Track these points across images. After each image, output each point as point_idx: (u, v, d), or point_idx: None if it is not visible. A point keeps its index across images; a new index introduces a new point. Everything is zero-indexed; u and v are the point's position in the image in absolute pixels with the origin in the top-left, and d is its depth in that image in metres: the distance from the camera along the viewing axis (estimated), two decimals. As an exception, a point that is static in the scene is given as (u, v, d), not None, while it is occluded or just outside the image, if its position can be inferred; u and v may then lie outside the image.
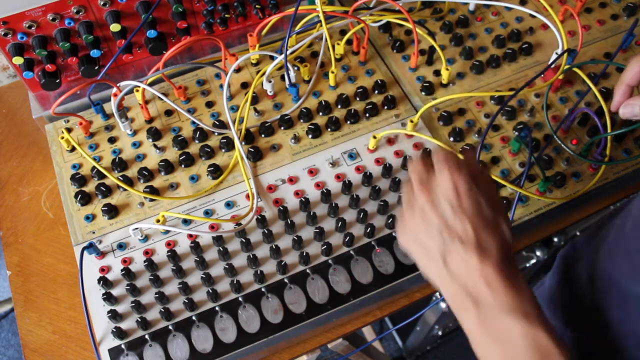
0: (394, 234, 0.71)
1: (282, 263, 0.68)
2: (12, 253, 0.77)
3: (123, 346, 0.65)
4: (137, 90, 0.78)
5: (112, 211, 0.73)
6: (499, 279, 0.49)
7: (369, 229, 0.70)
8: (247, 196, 0.74)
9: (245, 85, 0.83)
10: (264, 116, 0.81)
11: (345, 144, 0.78)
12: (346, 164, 0.77)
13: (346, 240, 0.70)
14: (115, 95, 0.76)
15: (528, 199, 0.74)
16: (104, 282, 0.67)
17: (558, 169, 0.75)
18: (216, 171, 0.75)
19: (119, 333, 0.65)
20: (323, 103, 0.80)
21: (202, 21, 0.84)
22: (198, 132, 0.78)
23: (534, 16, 0.86)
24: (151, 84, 0.81)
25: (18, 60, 0.74)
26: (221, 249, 0.69)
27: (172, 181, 0.75)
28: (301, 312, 0.67)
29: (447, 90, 0.83)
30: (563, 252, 0.85)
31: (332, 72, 0.81)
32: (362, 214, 0.71)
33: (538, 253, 1.10)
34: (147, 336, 0.66)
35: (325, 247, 0.69)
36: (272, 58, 0.84)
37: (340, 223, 0.71)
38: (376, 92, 0.82)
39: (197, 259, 0.68)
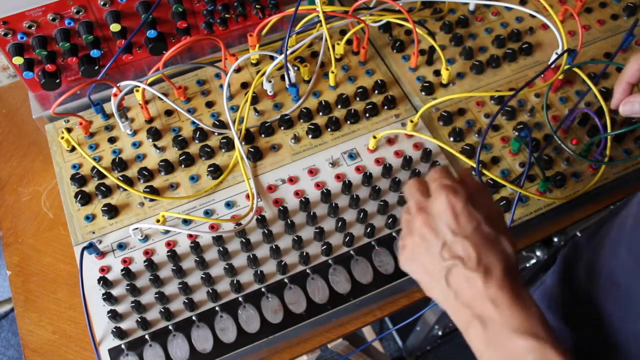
0: (394, 234, 0.71)
1: (282, 263, 0.68)
2: (12, 253, 0.77)
3: (123, 346, 0.65)
4: (137, 90, 0.78)
5: (112, 211, 0.73)
6: (504, 297, 0.48)
7: (369, 229, 0.70)
8: (247, 196, 0.74)
9: (245, 85, 0.83)
10: (264, 116, 0.81)
11: (345, 144, 0.78)
12: (346, 164, 0.76)
13: (346, 240, 0.70)
14: (115, 95, 0.76)
15: (528, 199, 0.74)
16: (104, 282, 0.67)
17: (558, 169, 0.75)
18: (216, 171, 0.75)
19: (119, 333, 0.65)
20: (323, 103, 0.80)
21: (202, 21, 0.84)
22: (198, 132, 0.78)
23: (534, 16, 0.86)
24: (151, 84, 0.81)
25: (18, 60, 0.74)
26: (221, 249, 0.69)
27: (172, 181, 0.75)
28: (301, 312, 0.67)
29: (447, 90, 0.83)
30: (564, 252, 0.85)
31: (332, 72, 0.81)
32: (362, 214, 0.71)
33: (538, 253, 1.10)
34: (147, 336, 0.66)
35: (325, 247, 0.69)
36: (272, 58, 0.84)
37: (340, 223, 0.71)
38: (376, 92, 0.82)
39: (197, 259, 0.68)
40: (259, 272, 0.68)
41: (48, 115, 0.81)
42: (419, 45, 0.85)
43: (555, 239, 1.06)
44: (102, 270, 0.69)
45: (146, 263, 0.68)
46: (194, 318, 0.67)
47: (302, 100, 0.82)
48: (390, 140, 0.78)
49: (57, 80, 0.78)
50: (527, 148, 0.73)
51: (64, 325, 0.72)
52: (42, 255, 0.77)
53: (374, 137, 0.75)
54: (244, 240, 0.69)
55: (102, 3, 0.75)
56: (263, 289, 0.68)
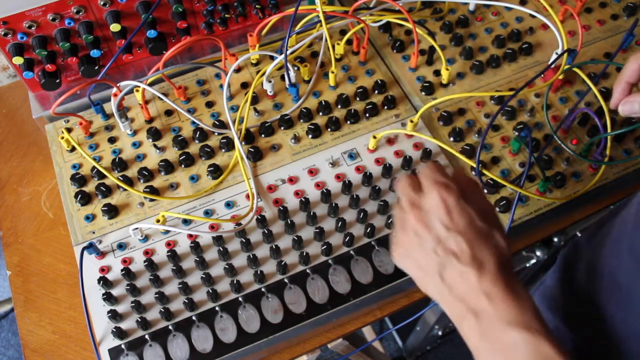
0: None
1: (282, 263, 0.68)
2: (12, 253, 0.77)
3: (123, 346, 0.65)
4: (137, 90, 0.78)
5: (112, 211, 0.73)
6: (497, 290, 0.49)
7: (369, 229, 0.70)
8: (247, 196, 0.74)
9: (245, 85, 0.83)
10: (264, 116, 0.81)
11: (345, 144, 0.78)
12: (346, 164, 0.77)
13: (346, 240, 0.70)
14: (115, 95, 0.76)
15: (528, 199, 0.74)
16: (104, 282, 0.67)
17: (558, 169, 0.75)
18: (216, 171, 0.75)
19: (119, 333, 0.65)
20: (323, 103, 0.80)
21: (202, 21, 0.84)
22: (198, 132, 0.78)
23: (534, 16, 0.86)
24: (151, 84, 0.81)
25: (18, 60, 0.74)
26: (221, 249, 0.69)
27: (172, 181, 0.75)
28: (301, 312, 0.67)
29: (447, 90, 0.83)
30: (563, 254, 0.85)
31: (332, 72, 0.81)
32: (362, 214, 0.71)
33: (538, 253, 1.10)
34: (147, 336, 0.66)
35: (325, 247, 0.69)
36: (272, 58, 0.84)
37: (340, 223, 0.71)
38: (376, 92, 0.82)
39: (197, 259, 0.68)
40: (259, 272, 0.68)
41: (48, 115, 0.81)
42: (419, 45, 0.85)
43: (555, 239, 1.06)
44: (102, 270, 0.69)
45: (146, 263, 0.68)
46: (194, 318, 0.67)
47: (302, 100, 0.82)
48: (390, 140, 0.78)
49: (57, 80, 0.78)
50: (527, 148, 0.73)
51: (64, 325, 0.72)
52: (42, 255, 0.77)
53: (374, 137, 0.75)
54: (244, 240, 0.69)
55: (102, 3, 0.75)
56: (263, 289, 0.68)
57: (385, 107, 0.81)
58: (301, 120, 0.80)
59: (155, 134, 0.78)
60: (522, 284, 0.51)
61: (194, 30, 0.85)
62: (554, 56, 0.80)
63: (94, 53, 0.78)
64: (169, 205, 0.74)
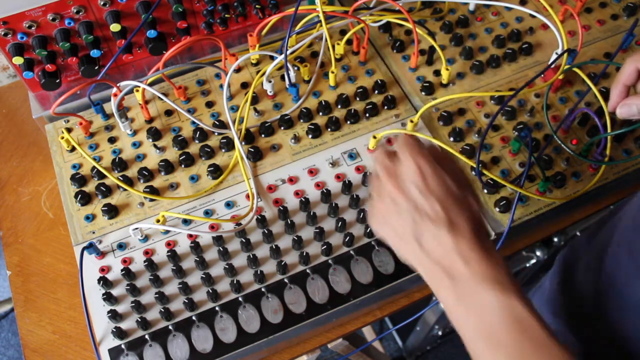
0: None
1: (282, 263, 0.68)
2: (12, 253, 0.77)
3: (123, 346, 0.65)
4: (137, 90, 0.78)
5: (112, 211, 0.73)
6: (472, 252, 0.50)
7: (369, 229, 0.70)
8: (247, 196, 0.74)
9: (245, 85, 0.83)
10: (264, 116, 0.81)
11: (345, 144, 0.78)
12: (346, 164, 0.77)
13: (346, 240, 0.70)
14: (115, 95, 0.76)
15: (528, 199, 0.74)
16: (104, 282, 0.67)
17: (558, 169, 0.75)
18: (216, 171, 0.75)
19: (119, 333, 0.65)
20: (323, 103, 0.80)
21: (202, 21, 0.84)
22: (198, 132, 0.78)
23: (534, 16, 0.86)
24: (151, 84, 0.81)
25: (18, 60, 0.74)
26: (221, 249, 0.69)
27: (172, 181, 0.75)
28: (301, 312, 0.67)
29: (447, 90, 0.83)
30: (562, 255, 0.85)
31: (332, 72, 0.81)
32: (362, 214, 0.71)
33: (538, 253, 1.10)
34: (147, 336, 0.66)
35: (325, 247, 0.69)
36: (272, 58, 0.84)
37: (340, 223, 0.71)
38: (376, 92, 0.82)
39: (197, 259, 0.68)
40: (259, 272, 0.68)
41: (48, 115, 0.81)
42: (419, 45, 0.85)
43: (555, 239, 1.06)
44: (102, 270, 0.69)
45: (146, 263, 0.68)
46: (194, 318, 0.67)
47: (302, 100, 0.82)
48: (391, 141, 0.78)
49: (57, 80, 0.78)
50: (527, 148, 0.73)
51: (64, 325, 0.72)
52: (42, 255, 0.77)
53: (374, 137, 0.75)
54: (244, 240, 0.69)
55: (102, 3, 0.75)
56: (263, 289, 0.68)
57: (385, 107, 0.81)
58: (301, 120, 0.80)
59: (155, 134, 0.78)
60: (496, 249, 0.52)
61: (194, 30, 0.85)
62: (554, 56, 0.80)
63: (94, 53, 0.78)
64: (169, 205, 0.74)
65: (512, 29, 0.87)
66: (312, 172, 0.76)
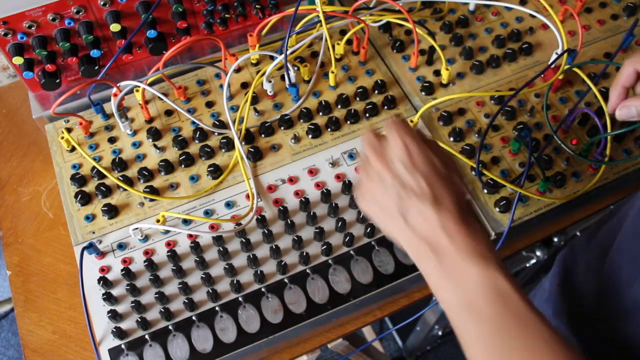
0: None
1: (282, 263, 0.68)
2: (12, 253, 0.77)
3: (123, 346, 0.65)
4: (137, 90, 0.78)
5: (112, 211, 0.73)
6: (456, 228, 0.50)
7: (368, 229, 0.70)
8: (247, 196, 0.74)
9: (245, 85, 0.83)
10: (264, 116, 0.81)
11: (345, 144, 0.78)
12: (346, 164, 0.77)
13: (346, 240, 0.70)
14: (115, 95, 0.76)
15: (528, 199, 0.74)
16: (104, 282, 0.67)
17: (558, 169, 0.75)
18: (216, 171, 0.75)
19: (119, 333, 0.65)
20: (323, 103, 0.80)
21: (202, 21, 0.84)
22: (198, 132, 0.78)
23: (534, 16, 0.86)
24: (151, 84, 0.81)
25: (18, 60, 0.74)
26: (221, 249, 0.69)
27: (172, 181, 0.75)
28: (301, 312, 0.67)
29: (447, 90, 0.83)
30: (562, 255, 0.85)
31: (332, 72, 0.81)
32: (362, 214, 0.71)
33: (538, 253, 1.10)
34: (147, 336, 0.66)
35: (325, 247, 0.69)
36: (272, 58, 0.84)
37: (340, 223, 0.71)
38: (376, 92, 0.82)
39: (197, 259, 0.68)
40: (259, 272, 0.68)
41: (48, 115, 0.81)
42: (419, 45, 0.85)
43: (555, 239, 1.06)
44: (102, 270, 0.69)
45: (146, 263, 0.68)
46: (194, 318, 0.67)
47: (302, 100, 0.82)
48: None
49: (57, 80, 0.78)
50: (527, 148, 0.73)
51: (64, 325, 0.72)
52: (42, 255, 0.77)
53: (374, 137, 0.75)
54: (244, 240, 0.69)
55: (102, 3, 0.75)
56: (263, 289, 0.68)
57: (385, 107, 0.81)
58: (301, 120, 0.80)
59: (155, 134, 0.78)
60: (479, 225, 0.52)
61: (194, 30, 0.85)
62: (554, 56, 0.80)
63: (94, 53, 0.78)
64: (169, 205, 0.74)
65: (512, 29, 0.87)
66: (312, 172, 0.76)
